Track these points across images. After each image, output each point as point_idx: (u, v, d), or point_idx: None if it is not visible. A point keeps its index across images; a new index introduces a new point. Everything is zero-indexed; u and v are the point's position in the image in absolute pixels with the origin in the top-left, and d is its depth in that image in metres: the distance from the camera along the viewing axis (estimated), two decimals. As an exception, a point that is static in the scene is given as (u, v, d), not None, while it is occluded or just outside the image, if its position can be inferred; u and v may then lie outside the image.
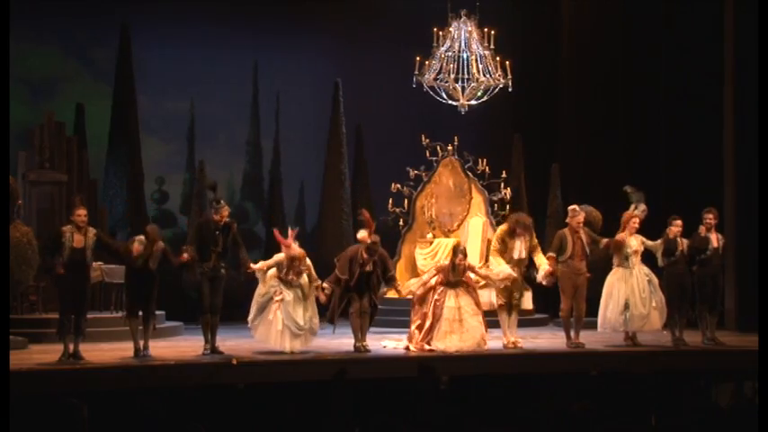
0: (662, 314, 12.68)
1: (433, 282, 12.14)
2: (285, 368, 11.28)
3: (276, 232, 11.98)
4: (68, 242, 11.03)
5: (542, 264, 12.39)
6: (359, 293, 11.89)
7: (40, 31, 18.15)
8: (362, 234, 12.02)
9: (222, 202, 11.97)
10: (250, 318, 11.92)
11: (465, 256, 12.21)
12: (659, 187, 17.59)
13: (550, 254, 12.54)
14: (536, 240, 12.61)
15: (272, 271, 11.81)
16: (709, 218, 12.89)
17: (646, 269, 12.77)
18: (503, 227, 12.87)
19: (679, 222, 12.79)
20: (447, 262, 12.31)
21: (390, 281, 12.16)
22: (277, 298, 11.68)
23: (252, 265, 11.80)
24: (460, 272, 12.07)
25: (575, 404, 8.69)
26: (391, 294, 15.56)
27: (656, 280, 12.73)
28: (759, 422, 8.00)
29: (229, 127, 19.83)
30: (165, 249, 11.59)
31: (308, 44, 19.43)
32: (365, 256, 11.79)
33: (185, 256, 11.63)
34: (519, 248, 12.41)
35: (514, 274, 12.30)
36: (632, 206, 13.09)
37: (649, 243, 12.80)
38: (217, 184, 12.46)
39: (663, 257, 12.71)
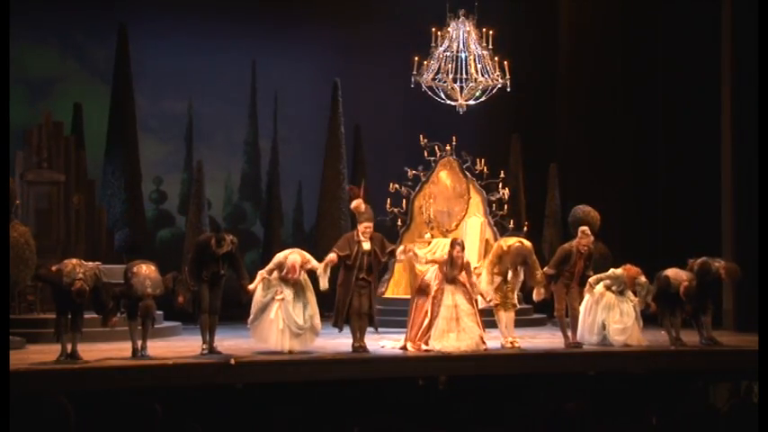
0: (642, 334, 12.78)
1: (437, 257, 12.19)
2: (283, 368, 11.26)
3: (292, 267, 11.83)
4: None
5: (536, 289, 12.43)
6: (358, 292, 11.85)
7: (38, 30, 18.14)
8: (356, 202, 12.13)
9: (226, 239, 11.57)
10: (250, 319, 11.87)
11: (463, 248, 12.24)
12: (659, 187, 17.63)
13: (548, 270, 12.51)
14: (537, 266, 12.47)
15: (275, 273, 11.77)
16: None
17: (631, 296, 12.82)
18: (501, 247, 12.65)
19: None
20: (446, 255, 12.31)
21: (391, 254, 12.18)
22: (278, 297, 11.65)
23: (250, 288, 11.76)
24: (458, 266, 12.08)
25: (569, 404, 8.70)
26: (390, 292, 15.62)
27: (638, 307, 12.78)
28: (759, 422, 7.99)
29: (227, 127, 19.83)
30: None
31: (306, 44, 19.43)
32: (361, 237, 11.89)
33: (180, 300, 11.49)
34: (515, 271, 12.47)
35: (490, 303, 12.40)
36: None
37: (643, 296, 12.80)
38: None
39: (654, 302, 12.71)
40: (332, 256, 11.88)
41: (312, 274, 11.95)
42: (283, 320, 11.61)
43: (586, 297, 12.84)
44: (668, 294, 12.50)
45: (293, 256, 11.79)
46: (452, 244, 12.29)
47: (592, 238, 12.71)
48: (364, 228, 12.00)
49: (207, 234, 12.86)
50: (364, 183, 12.41)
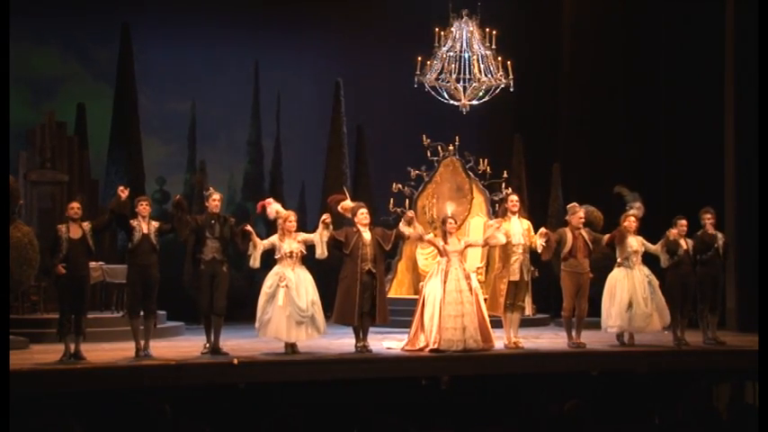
0: (662, 316, 12.66)
1: (440, 245, 12.16)
2: (286, 368, 11.27)
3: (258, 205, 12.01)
4: (65, 235, 11.04)
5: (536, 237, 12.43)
6: (362, 289, 11.81)
7: (41, 31, 18.18)
8: (342, 205, 12.07)
9: (211, 189, 11.93)
10: (258, 315, 11.70)
11: (454, 221, 12.38)
12: (660, 187, 17.62)
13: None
14: (532, 233, 12.54)
15: (276, 269, 11.72)
16: (708, 217, 12.90)
17: (646, 270, 12.75)
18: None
19: (684, 223, 12.77)
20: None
21: (399, 235, 12.07)
22: (282, 283, 11.58)
23: (248, 227, 11.74)
24: (455, 239, 12.14)
25: (571, 404, 8.70)
26: (393, 292, 15.61)
27: (655, 282, 12.70)
28: (759, 422, 8.00)
29: (230, 127, 19.85)
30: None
31: (309, 44, 19.44)
32: (359, 227, 11.88)
33: (178, 197, 11.72)
34: (518, 232, 12.41)
35: (503, 241, 12.30)
36: (627, 206, 13.03)
37: (650, 246, 12.77)
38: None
39: (666, 258, 12.69)
40: (325, 217, 11.86)
41: (310, 253, 11.92)
42: (288, 307, 11.53)
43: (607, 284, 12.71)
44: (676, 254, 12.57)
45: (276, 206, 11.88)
46: (443, 221, 12.41)
47: (582, 210, 12.70)
48: (360, 215, 11.95)
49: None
50: (346, 189, 12.28)
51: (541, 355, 12.39)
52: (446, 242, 12.10)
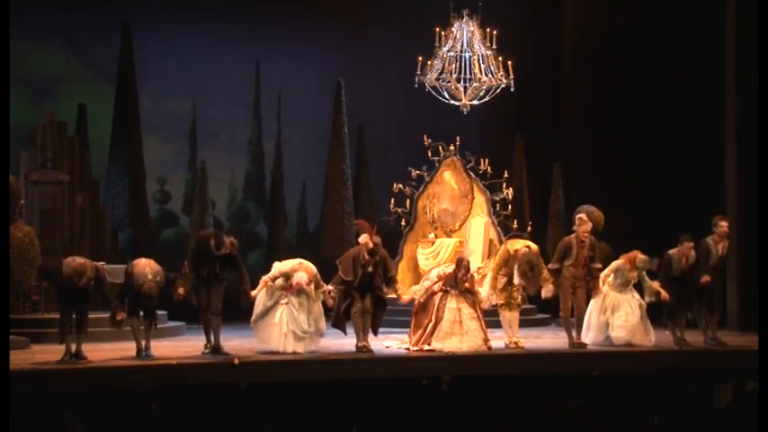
0: (648, 333, 12.72)
1: (435, 288, 12.15)
2: (287, 368, 11.27)
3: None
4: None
5: (544, 287, 12.40)
6: (361, 294, 11.85)
7: (42, 30, 18.18)
8: (364, 238, 11.94)
9: (225, 242, 11.47)
10: (253, 319, 11.83)
11: (468, 270, 12.16)
12: (660, 187, 17.63)
13: (551, 265, 12.51)
14: (543, 267, 12.39)
15: (279, 281, 11.75)
16: (723, 226, 12.85)
17: (636, 295, 12.81)
18: (508, 251, 12.52)
19: (690, 245, 12.65)
20: (450, 271, 12.24)
21: (391, 281, 12.08)
22: (283, 302, 11.64)
23: (253, 293, 11.71)
24: (462, 285, 12.09)
25: (572, 404, 8.72)
26: (392, 295, 15.57)
27: (644, 305, 12.75)
28: (759, 423, 8.00)
29: (231, 127, 19.86)
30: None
31: (309, 44, 19.45)
32: (367, 257, 11.73)
33: (181, 291, 11.43)
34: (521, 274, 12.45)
35: (486, 306, 12.37)
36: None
37: (649, 283, 12.74)
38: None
39: (650, 297, 12.69)
40: (335, 287, 11.83)
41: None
42: (287, 325, 11.60)
43: (591, 302, 12.78)
44: (671, 277, 12.52)
45: (300, 275, 11.65)
46: (458, 265, 12.17)
47: (590, 224, 12.71)
48: (366, 257, 11.76)
49: (208, 231, 12.85)
50: (377, 228, 12.19)
51: (542, 355, 12.38)
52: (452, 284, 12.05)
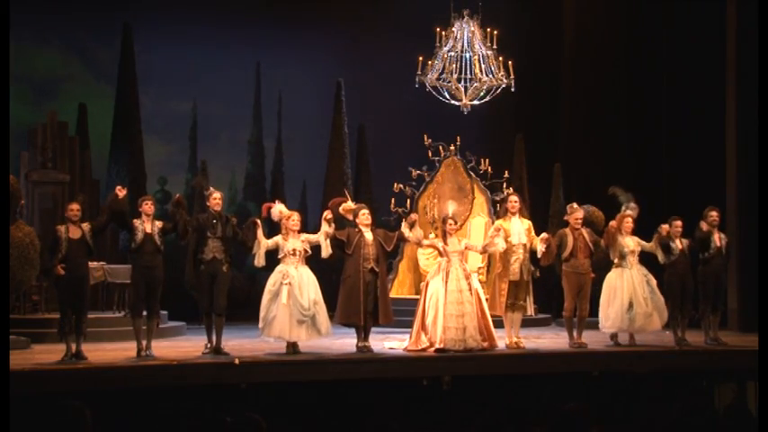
0: (661, 315, 12.66)
1: (439, 246, 12.13)
2: (288, 368, 11.27)
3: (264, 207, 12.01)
4: (64, 235, 11.03)
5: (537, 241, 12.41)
6: (365, 288, 11.80)
7: (42, 31, 18.20)
8: (343, 207, 12.06)
9: (212, 188, 11.92)
10: (262, 314, 11.66)
11: (455, 222, 12.31)
12: (661, 186, 17.62)
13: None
14: (533, 233, 12.55)
15: (279, 267, 11.72)
16: (713, 215, 12.88)
17: (644, 270, 12.75)
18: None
19: (678, 223, 12.77)
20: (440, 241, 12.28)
21: (400, 237, 12.11)
22: (285, 281, 11.57)
23: (257, 220, 11.77)
24: (455, 239, 12.09)
25: (572, 404, 8.69)
26: (395, 292, 15.59)
27: (653, 281, 12.70)
28: (759, 423, 8.00)
29: (232, 127, 19.87)
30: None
31: (310, 44, 19.45)
32: (362, 228, 11.89)
33: (178, 195, 11.72)
34: (518, 232, 12.41)
35: (501, 248, 12.28)
36: (623, 207, 13.03)
37: (645, 245, 12.77)
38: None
39: (663, 255, 12.69)
40: (326, 214, 11.86)
41: (314, 254, 11.92)
42: (292, 305, 11.52)
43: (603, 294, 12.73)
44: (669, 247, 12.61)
45: (280, 206, 11.88)
46: (443, 220, 12.37)
47: (581, 211, 12.72)
48: (362, 215, 11.96)
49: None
50: (347, 190, 12.27)
51: (543, 355, 12.39)
52: (446, 243, 12.09)
